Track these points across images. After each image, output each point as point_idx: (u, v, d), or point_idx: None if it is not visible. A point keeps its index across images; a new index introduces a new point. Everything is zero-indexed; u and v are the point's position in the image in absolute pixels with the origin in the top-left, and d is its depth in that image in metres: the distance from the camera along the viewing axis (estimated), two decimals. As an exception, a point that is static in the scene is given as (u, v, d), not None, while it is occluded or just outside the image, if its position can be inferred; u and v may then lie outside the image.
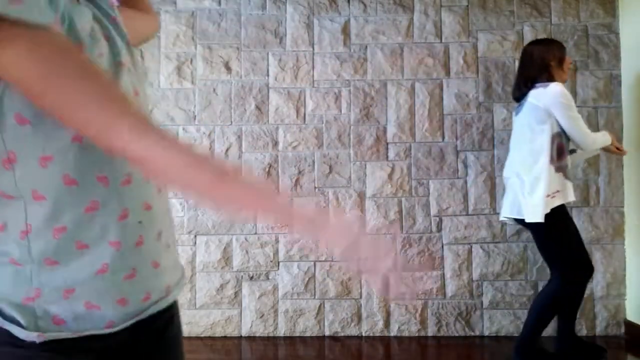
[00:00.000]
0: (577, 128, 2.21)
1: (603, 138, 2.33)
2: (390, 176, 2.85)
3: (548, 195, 2.18)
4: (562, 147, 2.24)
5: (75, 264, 0.67)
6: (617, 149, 2.39)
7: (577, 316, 2.79)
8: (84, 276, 0.67)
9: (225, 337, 2.83)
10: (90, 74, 0.59)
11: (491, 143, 2.86)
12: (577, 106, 2.84)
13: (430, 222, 2.84)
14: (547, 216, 2.18)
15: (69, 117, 0.59)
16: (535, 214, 2.19)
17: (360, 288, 2.84)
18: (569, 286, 2.21)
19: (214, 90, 2.91)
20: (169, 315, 0.84)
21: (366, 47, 2.90)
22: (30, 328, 0.65)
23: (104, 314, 0.69)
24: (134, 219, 0.71)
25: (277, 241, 2.86)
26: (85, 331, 0.68)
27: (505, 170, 2.47)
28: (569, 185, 2.26)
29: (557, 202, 2.20)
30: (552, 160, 2.20)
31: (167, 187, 0.82)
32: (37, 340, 0.65)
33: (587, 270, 2.24)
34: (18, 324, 0.65)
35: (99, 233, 0.67)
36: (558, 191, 2.21)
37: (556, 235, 2.22)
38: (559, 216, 2.21)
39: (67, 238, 0.65)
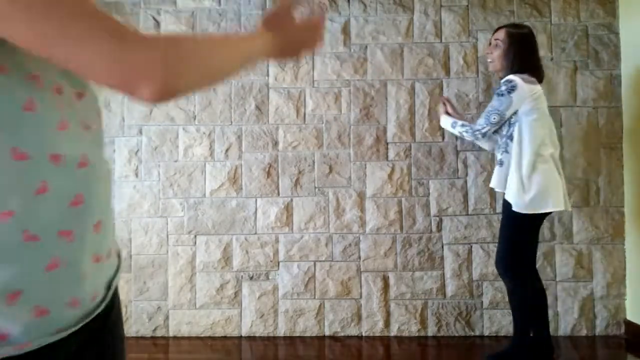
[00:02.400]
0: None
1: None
2: (390, 176, 2.85)
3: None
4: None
5: (22, 260, 0.55)
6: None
7: (577, 316, 2.80)
8: (32, 274, 0.56)
9: (225, 337, 2.83)
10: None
11: (491, 143, 2.85)
12: (577, 106, 2.85)
13: (430, 222, 2.84)
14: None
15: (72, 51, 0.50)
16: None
17: (360, 288, 2.84)
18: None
19: (214, 90, 2.91)
20: (121, 335, 0.75)
21: (366, 47, 2.90)
22: None
23: (53, 319, 0.59)
24: (88, 209, 0.62)
25: (277, 241, 2.86)
26: (34, 343, 0.57)
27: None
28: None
29: None
30: None
31: (109, 173, 0.71)
32: None
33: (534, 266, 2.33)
34: None
35: (48, 221, 0.57)
36: None
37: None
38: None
39: (13, 226, 0.54)
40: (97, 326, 0.67)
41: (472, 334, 2.82)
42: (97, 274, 0.66)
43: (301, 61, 1.01)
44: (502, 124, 2.27)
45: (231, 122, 2.89)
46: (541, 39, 2.87)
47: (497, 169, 2.32)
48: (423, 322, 2.83)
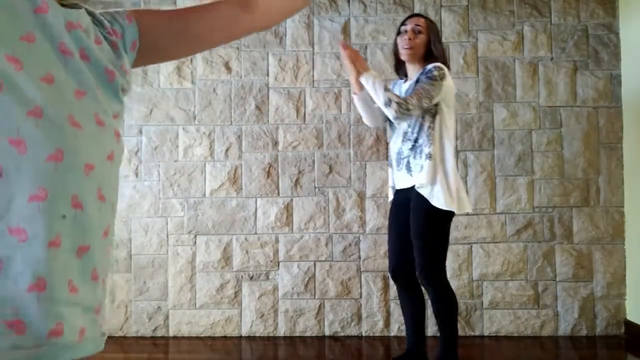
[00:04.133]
0: None
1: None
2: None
3: None
4: None
5: None
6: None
7: (577, 316, 2.80)
8: None
9: (225, 337, 2.83)
10: None
11: (491, 143, 2.86)
12: (577, 106, 2.85)
13: (430, 222, 2.84)
14: None
15: None
16: None
17: (360, 288, 2.84)
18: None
19: (214, 90, 2.91)
20: None
21: (366, 47, 2.90)
22: None
23: None
24: (54, 206, 0.54)
25: (277, 241, 2.86)
26: None
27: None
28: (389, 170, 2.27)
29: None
30: None
31: (111, 201, 0.64)
32: None
33: (389, 264, 2.24)
34: None
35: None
36: None
37: None
38: None
39: None
40: None
41: (472, 334, 2.82)
42: (67, 309, 0.55)
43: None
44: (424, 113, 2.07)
45: (231, 122, 2.89)
46: (541, 39, 2.87)
47: (425, 162, 2.03)
48: (423, 322, 2.83)
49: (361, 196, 2.85)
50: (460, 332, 2.81)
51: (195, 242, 2.87)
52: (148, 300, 2.86)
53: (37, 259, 0.52)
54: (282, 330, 2.84)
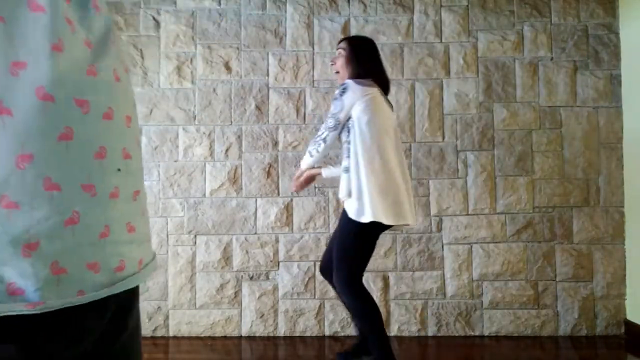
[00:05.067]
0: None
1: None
2: (390, 176, 2.85)
3: None
4: None
5: (42, 208, 0.52)
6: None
7: (577, 316, 2.79)
8: (51, 226, 0.52)
9: (225, 337, 2.83)
10: None
11: (491, 143, 2.86)
12: (577, 106, 2.85)
13: (430, 222, 2.84)
14: None
15: None
16: None
17: (360, 288, 2.84)
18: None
19: (214, 90, 2.91)
20: (136, 323, 0.71)
21: (366, 47, 2.90)
22: None
23: (72, 279, 0.54)
24: (111, 162, 0.59)
25: (277, 241, 2.85)
26: (51, 303, 0.52)
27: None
28: None
29: None
30: None
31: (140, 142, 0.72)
32: None
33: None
34: None
35: (72, 170, 0.55)
36: None
37: None
38: None
39: (33, 171, 0.51)
40: (124, 307, 0.66)
41: (472, 334, 2.82)
42: (127, 247, 0.63)
43: None
44: (342, 129, 2.12)
45: (231, 122, 2.89)
46: (541, 39, 2.87)
47: (343, 176, 2.11)
48: (423, 322, 2.83)
49: (361, 196, 2.85)
50: (460, 332, 2.81)
51: (195, 242, 2.87)
52: (148, 300, 2.86)
53: (103, 210, 0.59)
54: (282, 330, 2.84)
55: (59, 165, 0.53)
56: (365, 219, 1.99)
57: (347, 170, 2.07)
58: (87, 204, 0.56)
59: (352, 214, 2.02)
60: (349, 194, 2.05)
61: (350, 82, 2.07)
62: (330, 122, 2.10)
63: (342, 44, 2.24)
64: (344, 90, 2.06)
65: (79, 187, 0.55)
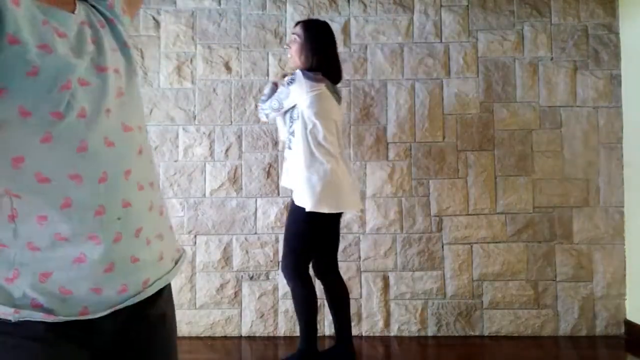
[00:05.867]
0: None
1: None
2: (390, 176, 2.85)
3: None
4: None
5: (55, 252, 0.69)
6: None
7: (577, 316, 2.80)
8: (62, 263, 0.69)
9: (225, 337, 2.83)
10: None
11: (491, 143, 2.86)
12: (577, 106, 2.85)
13: (430, 222, 2.84)
14: None
15: None
16: None
17: (360, 288, 2.84)
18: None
19: (214, 90, 2.91)
20: (160, 313, 0.85)
21: (366, 47, 2.90)
22: (8, 305, 0.68)
23: (77, 299, 0.70)
24: (111, 215, 0.72)
25: (277, 241, 2.85)
26: (60, 315, 0.69)
27: None
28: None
29: None
30: None
31: (152, 185, 0.82)
32: (13, 319, 0.67)
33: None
34: None
35: (76, 227, 0.69)
36: None
37: None
38: None
39: (48, 228, 0.68)
40: (140, 305, 0.79)
41: (472, 334, 2.82)
42: (130, 275, 0.76)
43: None
44: (284, 116, 2.26)
45: (231, 122, 2.89)
46: (541, 39, 2.87)
47: (284, 164, 2.27)
48: (423, 322, 2.83)
49: (361, 196, 2.85)
50: (460, 332, 2.81)
51: (195, 242, 2.87)
52: (148, 300, 2.86)
53: (106, 252, 0.72)
54: (282, 330, 2.83)
55: (65, 224, 0.69)
56: (309, 207, 2.09)
57: (286, 159, 2.21)
58: (92, 248, 0.70)
59: (298, 202, 2.13)
60: (296, 183, 2.16)
61: (299, 74, 2.14)
62: (274, 103, 2.22)
63: (298, 29, 2.25)
64: (292, 81, 2.15)
65: (85, 238, 0.70)
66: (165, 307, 0.87)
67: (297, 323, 2.83)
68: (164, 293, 0.86)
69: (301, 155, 2.14)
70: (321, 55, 2.21)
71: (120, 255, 0.74)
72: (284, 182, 2.35)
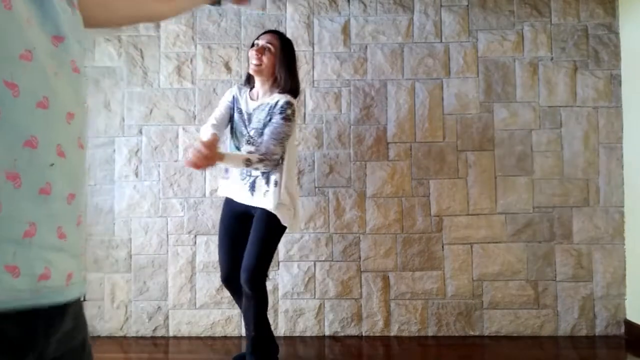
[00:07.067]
0: None
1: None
2: (390, 176, 2.85)
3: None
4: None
5: None
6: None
7: (577, 316, 2.80)
8: None
9: (225, 337, 2.83)
10: None
11: (491, 143, 2.86)
12: (577, 106, 2.86)
13: (430, 222, 2.84)
14: None
15: None
16: None
17: (360, 288, 2.84)
18: None
19: (214, 90, 2.91)
20: (81, 337, 0.65)
21: (366, 47, 2.90)
22: None
23: None
24: (44, 155, 0.55)
25: (277, 241, 2.85)
26: None
27: None
28: (222, 182, 2.35)
29: (219, 194, 2.39)
30: None
31: (86, 145, 0.67)
32: None
33: (220, 268, 2.32)
34: None
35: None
36: (220, 185, 2.38)
37: None
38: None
39: None
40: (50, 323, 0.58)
41: (472, 334, 2.82)
42: (56, 254, 0.56)
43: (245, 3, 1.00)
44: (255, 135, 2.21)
45: (231, 122, 2.89)
46: (541, 39, 2.87)
47: (272, 189, 2.14)
48: (423, 322, 2.83)
49: (361, 196, 2.85)
50: (460, 332, 2.81)
51: (195, 242, 2.87)
52: (148, 300, 2.86)
53: (29, 205, 0.53)
54: (282, 330, 2.84)
55: None
56: (287, 224, 2.19)
57: (276, 184, 2.17)
58: (10, 194, 0.51)
59: (284, 221, 2.17)
60: (281, 205, 2.17)
61: (294, 103, 2.15)
62: (286, 142, 2.14)
63: (273, 40, 2.18)
64: (294, 113, 2.14)
65: (2, 174, 0.50)
66: (84, 329, 0.67)
67: (296, 323, 2.83)
68: (78, 308, 0.65)
69: (286, 177, 2.18)
70: (296, 77, 2.23)
71: (45, 218, 0.55)
72: (243, 196, 2.22)
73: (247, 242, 2.18)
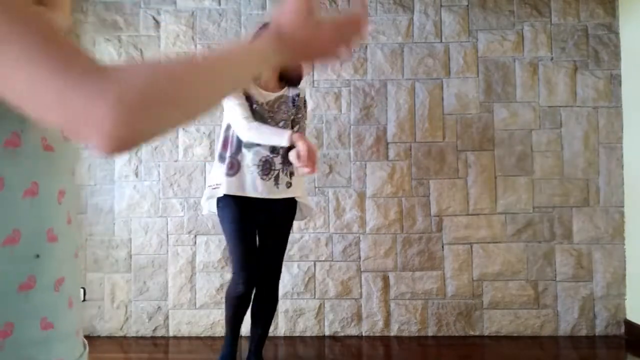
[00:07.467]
0: (231, 116, 2.08)
1: (272, 137, 2.02)
2: (390, 176, 2.85)
3: (210, 186, 2.17)
4: (226, 138, 2.14)
5: None
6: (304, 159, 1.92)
7: (577, 316, 2.79)
8: None
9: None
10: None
11: (491, 143, 2.86)
12: (577, 106, 2.85)
13: (430, 222, 2.84)
14: (217, 207, 2.15)
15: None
16: (203, 204, 2.22)
17: (360, 288, 2.84)
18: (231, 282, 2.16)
19: (214, 90, 2.90)
20: None
21: (366, 47, 2.90)
22: None
23: None
24: (27, 248, 0.50)
25: (277, 241, 2.85)
26: None
27: None
28: (227, 179, 2.10)
29: (218, 194, 2.11)
30: (218, 150, 2.17)
31: (77, 219, 0.61)
32: None
33: (241, 271, 2.10)
34: None
35: None
36: (218, 184, 2.11)
37: (222, 227, 2.17)
38: (220, 209, 2.14)
39: None
40: None
41: (472, 334, 2.82)
42: (37, 348, 0.53)
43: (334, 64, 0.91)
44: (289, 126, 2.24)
45: (231, 122, 2.89)
46: (541, 39, 2.87)
47: (295, 179, 2.17)
48: (423, 322, 2.83)
49: (361, 196, 2.85)
50: (460, 332, 2.81)
51: (195, 242, 2.87)
52: (148, 300, 2.86)
53: (6, 306, 0.49)
54: (282, 330, 2.84)
55: None
56: (312, 208, 2.31)
57: (291, 175, 2.18)
58: None
59: (310, 206, 2.28)
60: (304, 194, 2.24)
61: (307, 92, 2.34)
62: (305, 125, 2.29)
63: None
64: (306, 101, 2.28)
65: None
66: None
67: (296, 323, 2.83)
68: None
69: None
70: (300, 65, 2.25)
71: (25, 315, 0.51)
72: (268, 190, 2.15)
73: (261, 238, 2.18)
